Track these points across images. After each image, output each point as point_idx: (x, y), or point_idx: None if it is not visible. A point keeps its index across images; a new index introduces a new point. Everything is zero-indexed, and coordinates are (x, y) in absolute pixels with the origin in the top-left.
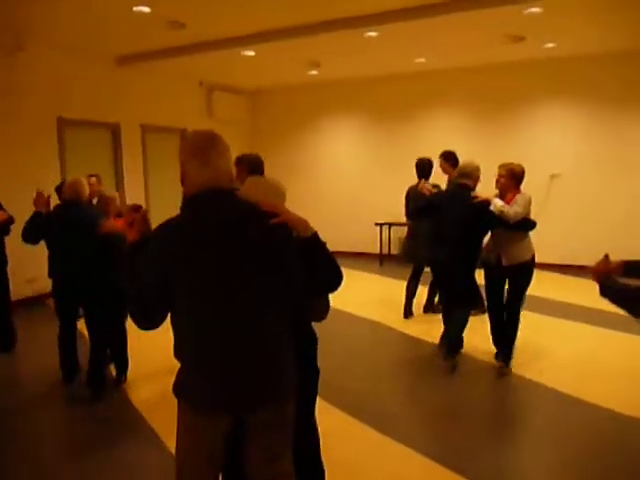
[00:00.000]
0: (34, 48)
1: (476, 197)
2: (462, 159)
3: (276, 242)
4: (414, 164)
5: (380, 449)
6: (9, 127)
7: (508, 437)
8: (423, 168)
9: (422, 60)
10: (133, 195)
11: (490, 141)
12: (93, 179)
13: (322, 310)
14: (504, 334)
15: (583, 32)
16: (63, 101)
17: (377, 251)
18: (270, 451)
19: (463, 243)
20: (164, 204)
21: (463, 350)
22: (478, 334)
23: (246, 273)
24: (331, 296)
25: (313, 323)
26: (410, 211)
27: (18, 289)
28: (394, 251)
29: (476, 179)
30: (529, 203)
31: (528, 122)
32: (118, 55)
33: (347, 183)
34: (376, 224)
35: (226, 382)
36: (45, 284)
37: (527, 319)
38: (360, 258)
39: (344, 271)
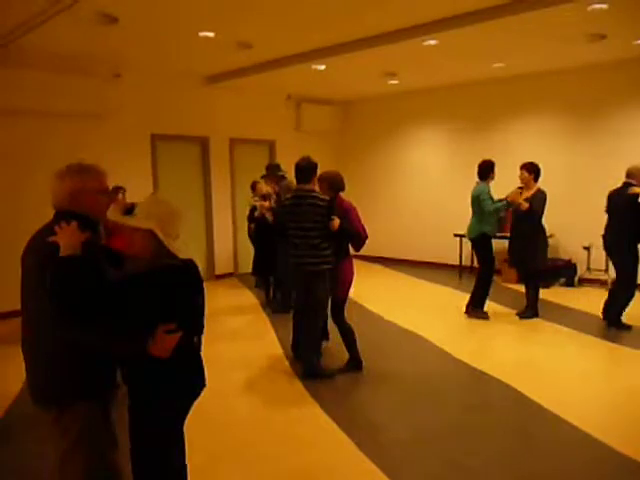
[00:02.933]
0: (128, 73)
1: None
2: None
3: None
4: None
5: None
6: (108, 145)
7: None
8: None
9: (501, 65)
10: (220, 204)
11: (583, 145)
12: (120, 195)
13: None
14: None
15: None
16: (156, 119)
17: (457, 262)
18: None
19: None
20: None
21: None
22: None
23: (23, 299)
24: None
25: None
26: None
27: None
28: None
29: None
30: None
31: (618, 123)
32: (206, 75)
33: (429, 192)
34: (455, 235)
35: None
36: None
37: None
38: (440, 270)
39: (423, 282)
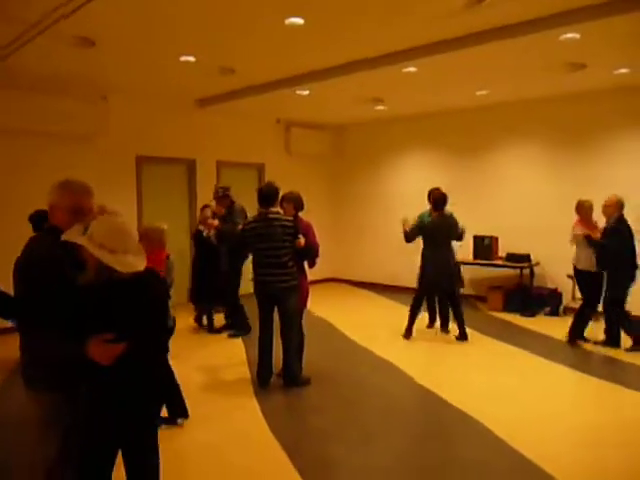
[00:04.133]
0: (115, 96)
1: None
2: None
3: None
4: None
5: None
6: (94, 165)
7: None
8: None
9: (484, 92)
10: None
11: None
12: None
13: None
14: None
15: None
16: (141, 141)
17: None
18: None
19: None
20: None
21: None
22: None
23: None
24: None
25: None
26: None
27: None
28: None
29: None
30: None
31: (603, 152)
32: (194, 98)
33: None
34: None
35: None
36: None
37: None
38: None
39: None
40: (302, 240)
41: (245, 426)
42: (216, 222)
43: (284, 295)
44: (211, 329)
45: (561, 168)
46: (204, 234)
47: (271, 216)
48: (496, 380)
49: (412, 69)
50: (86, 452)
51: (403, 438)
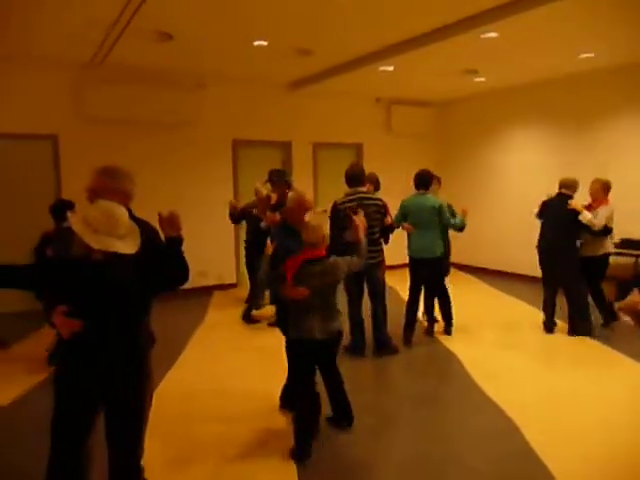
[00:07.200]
0: (212, 84)
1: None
2: None
3: None
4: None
5: None
6: (192, 152)
7: None
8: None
9: (590, 55)
10: None
11: None
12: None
13: None
14: None
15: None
16: (238, 125)
17: None
18: None
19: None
20: None
21: None
22: None
23: None
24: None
25: None
26: None
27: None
28: None
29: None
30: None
31: None
32: (288, 81)
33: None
34: None
35: None
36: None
37: None
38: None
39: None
40: (390, 217)
41: None
42: (278, 217)
43: (373, 270)
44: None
45: None
46: (262, 225)
47: (363, 195)
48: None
49: (493, 34)
50: (54, 418)
51: None
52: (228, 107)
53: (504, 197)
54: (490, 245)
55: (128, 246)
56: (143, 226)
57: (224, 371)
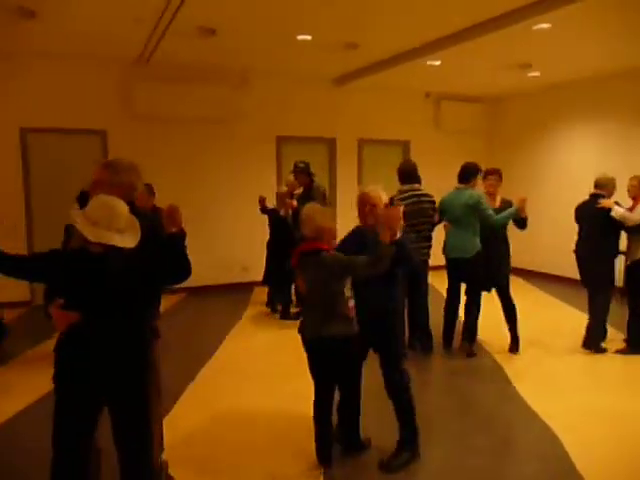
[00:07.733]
0: (256, 79)
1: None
2: None
3: None
4: None
5: None
6: (236, 148)
7: None
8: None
9: None
10: (344, 205)
11: None
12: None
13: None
14: None
15: None
16: (281, 121)
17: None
18: None
19: None
20: None
21: None
22: None
23: None
24: None
25: None
26: None
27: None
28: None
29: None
30: None
31: None
32: (332, 76)
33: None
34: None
35: None
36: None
37: None
38: None
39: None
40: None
41: None
42: (294, 202)
43: (421, 268)
44: (284, 315)
45: None
46: (281, 213)
47: (418, 192)
48: None
49: (545, 25)
50: (55, 412)
51: None
52: (272, 103)
53: (560, 198)
54: (547, 249)
55: (127, 240)
56: (148, 220)
57: (264, 369)
